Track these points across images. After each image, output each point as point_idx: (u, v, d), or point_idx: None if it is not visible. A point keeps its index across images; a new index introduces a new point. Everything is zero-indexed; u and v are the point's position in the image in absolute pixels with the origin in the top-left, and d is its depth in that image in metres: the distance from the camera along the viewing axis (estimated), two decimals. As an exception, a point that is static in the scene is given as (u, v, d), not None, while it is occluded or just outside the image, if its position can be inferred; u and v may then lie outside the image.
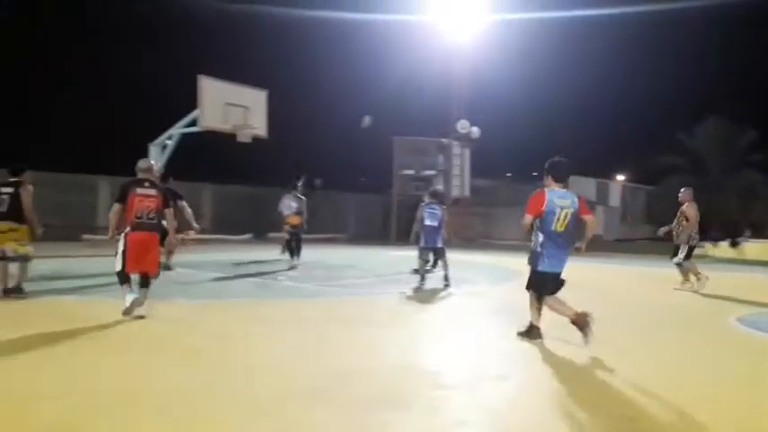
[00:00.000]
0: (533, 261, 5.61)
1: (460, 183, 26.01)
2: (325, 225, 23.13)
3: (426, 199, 9.76)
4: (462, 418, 3.65)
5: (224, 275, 10.93)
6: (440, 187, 17.14)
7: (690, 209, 9.89)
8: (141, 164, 6.88)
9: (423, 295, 8.85)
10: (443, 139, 26.19)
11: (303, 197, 12.73)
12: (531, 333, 5.67)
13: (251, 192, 24.14)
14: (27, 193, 7.76)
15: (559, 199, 5.50)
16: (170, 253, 10.73)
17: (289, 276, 10.98)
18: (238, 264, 12.92)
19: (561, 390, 4.23)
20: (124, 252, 6.49)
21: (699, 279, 9.74)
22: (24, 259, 7.78)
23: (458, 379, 4.46)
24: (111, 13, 28.57)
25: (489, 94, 28.94)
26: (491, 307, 8.09)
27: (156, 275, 6.75)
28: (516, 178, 39.23)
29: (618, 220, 32.33)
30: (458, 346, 5.75)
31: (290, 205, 12.57)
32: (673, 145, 30.81)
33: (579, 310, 5.37)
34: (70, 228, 19.53)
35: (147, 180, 6.73)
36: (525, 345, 5.57)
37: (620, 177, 38.59)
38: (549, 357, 5.20)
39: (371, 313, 7.51)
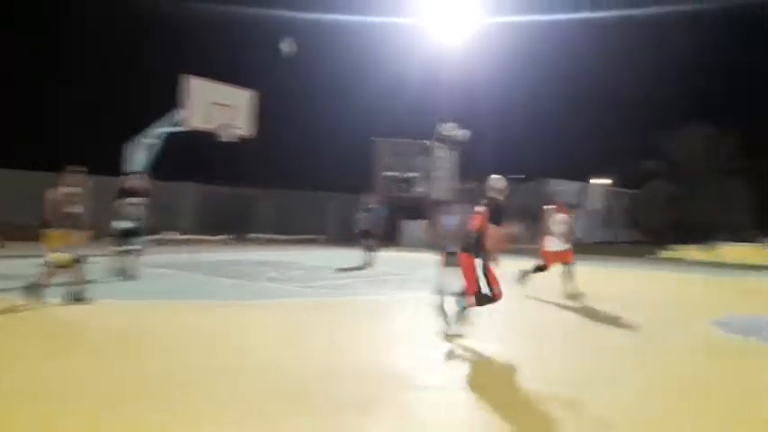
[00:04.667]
0: None
1: (444, 185, 26.02)
2: (306, 226, 23.11)
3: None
4: (431, 420, 3.73)
5: (204, 276, 10.96)
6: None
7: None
8: None
9: (395, 297, 8.91)
10: (425, 141, 26.20)
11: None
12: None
13: (234, 192, 23.94)
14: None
15: None
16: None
17: (268, 277, 11.01)
18: (218, 264, 13.06)
19: (521, 389, 4.33)
20: None
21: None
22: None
23: (428, 381, 4.53)
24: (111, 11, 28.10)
25: (481, 97, 29.08)
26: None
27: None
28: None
29: (600, 223, 32.51)
30: (428, 348, 5.80)
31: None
32: (654, 150, 31.28)
33: None
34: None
35: None
36: (493, 349, 5.68)
37: (606, 181, 38.81)
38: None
39: (346, 314, 7.56)
